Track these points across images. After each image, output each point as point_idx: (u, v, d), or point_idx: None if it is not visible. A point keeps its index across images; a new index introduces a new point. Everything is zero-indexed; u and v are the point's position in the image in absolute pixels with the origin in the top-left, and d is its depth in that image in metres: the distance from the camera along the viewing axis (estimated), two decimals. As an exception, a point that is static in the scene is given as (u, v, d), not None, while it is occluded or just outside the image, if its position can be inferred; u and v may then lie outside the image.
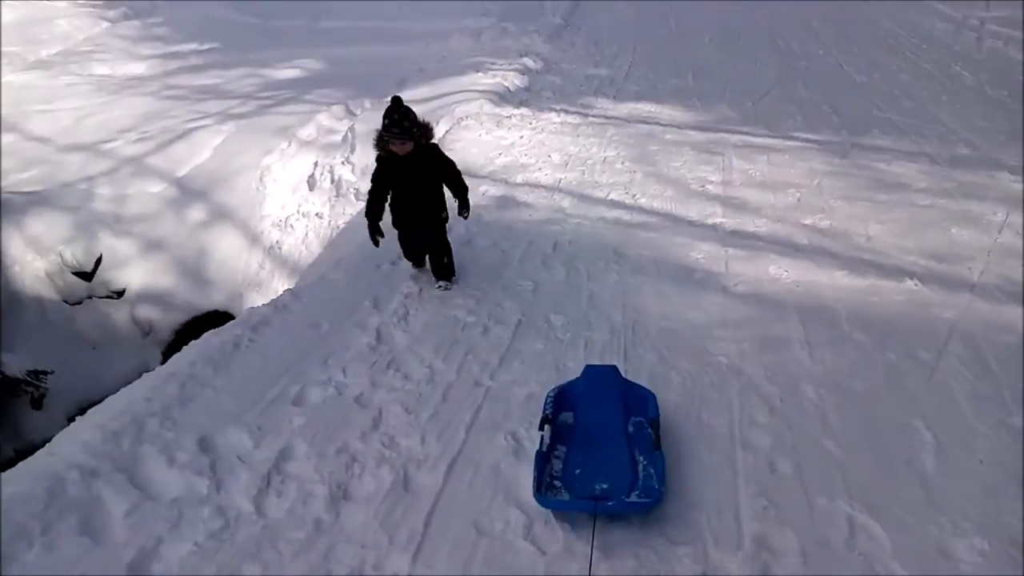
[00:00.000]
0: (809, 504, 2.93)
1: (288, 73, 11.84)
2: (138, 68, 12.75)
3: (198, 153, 9.19)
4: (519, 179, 6.83)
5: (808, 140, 7.82)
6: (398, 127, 4.18)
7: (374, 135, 4.37)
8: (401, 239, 4.75)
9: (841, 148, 7.48)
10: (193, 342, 4.11)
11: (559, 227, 5.77)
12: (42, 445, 3.31)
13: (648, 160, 7.31)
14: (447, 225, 4.70)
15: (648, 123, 8.57)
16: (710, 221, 5.86)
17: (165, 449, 3.15)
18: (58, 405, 6.86)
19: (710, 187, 6.58)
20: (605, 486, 2.94)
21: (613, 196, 6.42)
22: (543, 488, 2.95)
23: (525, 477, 3.04)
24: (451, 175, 4.55)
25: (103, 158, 9.15)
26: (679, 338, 4.18)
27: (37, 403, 6.92)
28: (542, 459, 3.06)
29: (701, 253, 5.28)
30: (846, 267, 4.99)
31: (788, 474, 3.10)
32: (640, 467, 3.07)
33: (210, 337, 4.11)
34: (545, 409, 3.37)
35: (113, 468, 3.02)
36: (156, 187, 8.63)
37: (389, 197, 4.54)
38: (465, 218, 4.76)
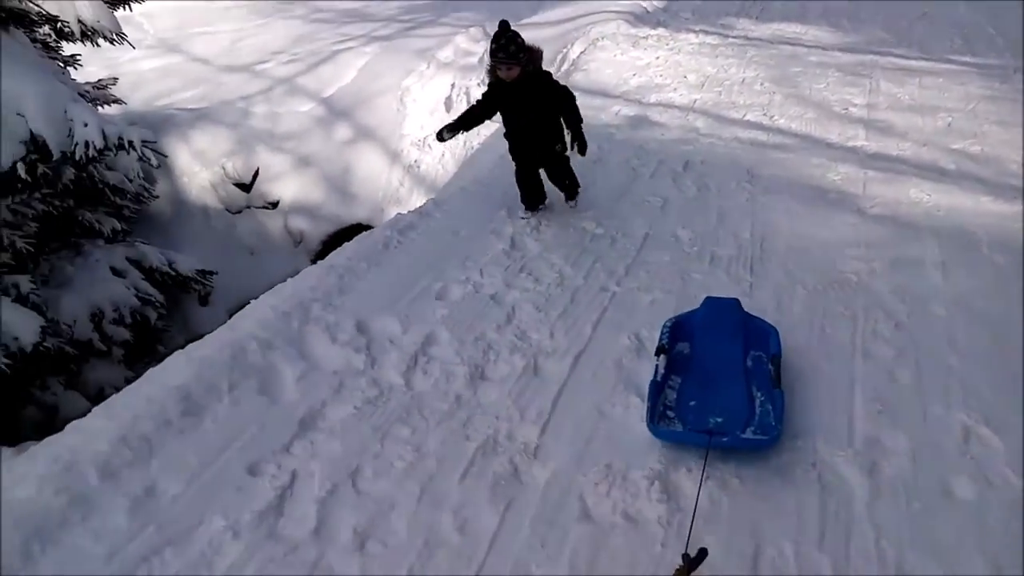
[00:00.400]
0: (924, 412, 2.98)
1: (427, -4, 12.08)
2: (288, -9, 13.35)
3: (343, 74, 9.69)
4: (653, 99, 6.84)
5: (966, 64, 7.36)
6: (504, 52, 4.11)
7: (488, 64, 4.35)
8: (518, 175, 4.72)
9: (1003, 72, 7.00)
10: (347, 243, 4.53)
11: (691, 147, 5.80)
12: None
13: (789, 82, 7.12)
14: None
15: (792, 44, 8.29)
16: (850, 144, 5.73)
17: (328, 329, 3.57)
18: (221, 302, 7.65)
19: (853, 110, 6.38)
20: (720, 420, 2.89)
21: (750, 117, 6.34)
22: (656, 418, 2.91)
23: (646, 372, 3.23)
24: (564, 104, 4.35)
25: (258, 78, 9.83)
26: (808, 255, 4.21)
27: (203, 300, 7.75)
28: (656, 388, 3.02)
29: (838, 175, 5.20)
30: (993, 193, 4.80)
31: (907, 383, 3.15)
32: (757, 403, 2.99)
33: (363, 238, 4.53)
34: (661, 338, 3.30)
35: (285, 342, 3.47)
36: (305, 106, 9.23)
37: (504, 129, 4.57)
38: (582, 154, 4.50)
